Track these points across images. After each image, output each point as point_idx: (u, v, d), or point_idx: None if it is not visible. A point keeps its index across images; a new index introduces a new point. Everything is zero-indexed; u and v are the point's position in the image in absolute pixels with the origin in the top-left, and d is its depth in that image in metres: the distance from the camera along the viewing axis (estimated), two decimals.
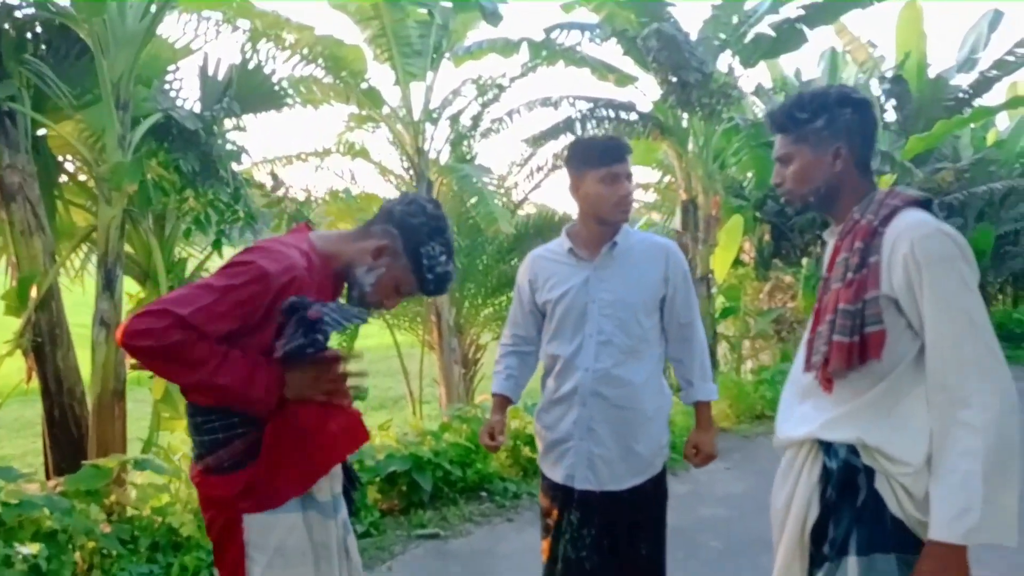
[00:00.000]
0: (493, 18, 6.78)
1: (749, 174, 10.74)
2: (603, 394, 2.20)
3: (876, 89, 11.56)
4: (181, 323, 1.61)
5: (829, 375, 1.59)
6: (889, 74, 11.81)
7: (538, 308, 2.36)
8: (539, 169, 8.82)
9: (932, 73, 11.62)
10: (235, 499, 1.72)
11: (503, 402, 2.46)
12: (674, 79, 8.26)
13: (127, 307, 5.22)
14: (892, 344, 1.54)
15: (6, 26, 4.31)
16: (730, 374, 7.45)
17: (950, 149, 11.78)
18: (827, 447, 1.61)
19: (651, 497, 2.26)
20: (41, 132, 4.88)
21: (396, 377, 9.79)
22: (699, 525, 4.06)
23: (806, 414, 1.66)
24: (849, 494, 1.56)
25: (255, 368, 1.68)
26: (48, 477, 4.44)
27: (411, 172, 7.61)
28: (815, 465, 1.63)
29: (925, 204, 1.62)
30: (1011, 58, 10.81)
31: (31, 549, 3.01)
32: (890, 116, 11.73)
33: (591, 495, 2.22)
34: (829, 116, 1.68)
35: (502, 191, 6.23)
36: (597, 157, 2.19)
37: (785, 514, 1.67)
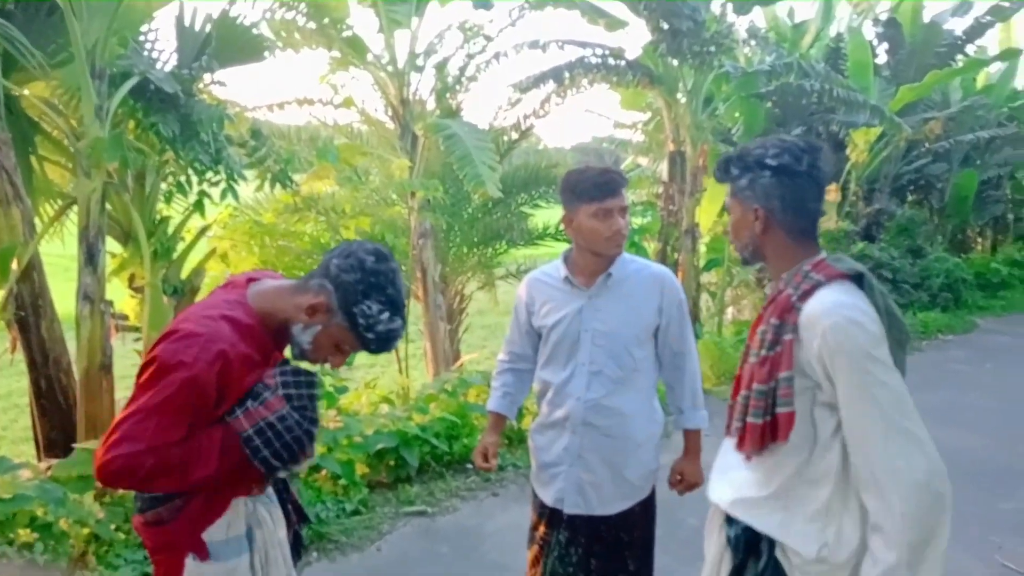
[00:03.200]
0: None
1: (736, 115, 10.61)
2: (593, 423, 2.25)
3: (869, 33, 11.38)
4: (145, 452, 1.57)
5: (747, 453, 1.64)
6: (883, 16, 11.60)
7: (534, 330, 2.38)
8: (526, 116, 8.68)
9: (927, 16, 11.40)
10: (175, 547, 1.73)
11: (499, 421, 2.50)
12: (665, 26, 8.08)
13: (110, 268, 5.18)
14: (805, 423, 1.56)
15: None
16: (712, 334, 7.55)
17: (939, 94, 11.67)
18: (729, 517, 1.68)
19: (639, 519, 2.34)
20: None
21: None
22: (677, 500, 4.19)
23: (729, 477, 1.71)
24: (754, 557, 1.64)
25: (214, 448, 1.65)
26: (37, 448, 4.50)
27: (395, 122, 7.47)
28: (722, 530, 1.71)
29: (856, 278, 1.57)
30: (1006, 3, 10.62)
31: (26, 539, 3.08)
32: (881, 60, 11.57)
33: (579, 518, 2.29)
34: (752, 176, 1.65)
35: (490, 147, 6.09)
36: (589, 192, 2.16)
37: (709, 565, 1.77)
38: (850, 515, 1.54)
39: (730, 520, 1.67)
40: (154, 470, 1.58)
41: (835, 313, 1.50)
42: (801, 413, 1.56)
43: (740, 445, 1.64)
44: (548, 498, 2.32)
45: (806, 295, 1.56)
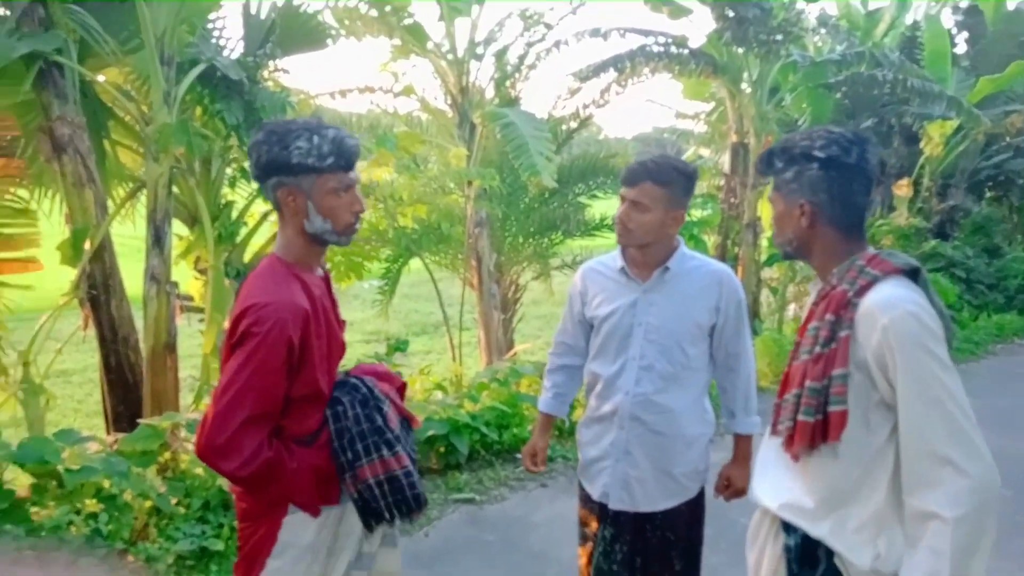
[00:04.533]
0: None
1: (804, 106, 10.29)
2: (642, 419, 2.21)
3: (948, 20, 10.91)
4: (253, 424, 1.65)
5: (795, 452, 1.59)
6: (964, 4, 11.09)
7: (587, 320, 2.34)
8: (585, 106, 8.61)
9: (1011, 4, 10.86)
10: (277, 507, 1.78)
11: (548, 421, 2.48)
12: (731, 14, 7.88)
13: (177, 251, 5.34)
14: (858, 425, 1.51)
15: None
16: (772, 331, 7.37)
17: (1022, 87, 11.10)
18: (787, 524, 1.62)
19: (685, 519, 2.29)
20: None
21: (437, 302, 9.95)
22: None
23: (775, 479, 1.67)
24: (809, 565, 1.59)
25: (307, 475, 1.78)
26: (107, 421, 4.68)
27: (454, 111, 7.49)
28: (779, 538, 1.64)
29: (911, 273, 1.54)
30: None
31: (92, 509, 3.21)
32: (960, 49, 11.07)
33: (624, 514, 2.26)
34: (798, 169, 1.60)
35: (547, 138, 6.05)
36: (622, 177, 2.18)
37: (756, 574, 1.71)
38: (902, 525, 1.48)
39: (787, 528, 1.62)
40: (260, 456, 1.66)
41: (896, 307, 1.47)
42: (854, 413, 1.51)
43: (789, 444, 1.60)
44: (595, 492, 2.30)
45: (863, 290, 1.52)
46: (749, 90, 8.50)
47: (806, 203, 1.59)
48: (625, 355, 2.22)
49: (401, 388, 2.03)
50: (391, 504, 1.81)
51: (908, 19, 11.33)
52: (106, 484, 3.29)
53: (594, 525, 2.32)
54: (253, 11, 5.26)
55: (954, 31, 10.81)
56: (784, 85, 9.31)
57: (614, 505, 2.26)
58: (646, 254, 2.19)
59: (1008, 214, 12.00)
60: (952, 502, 1.38)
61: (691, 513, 2.30)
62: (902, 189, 9.74)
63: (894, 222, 9.54)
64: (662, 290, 2.20)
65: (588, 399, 2.36)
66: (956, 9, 10.98)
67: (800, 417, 1.56)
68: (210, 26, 5.26)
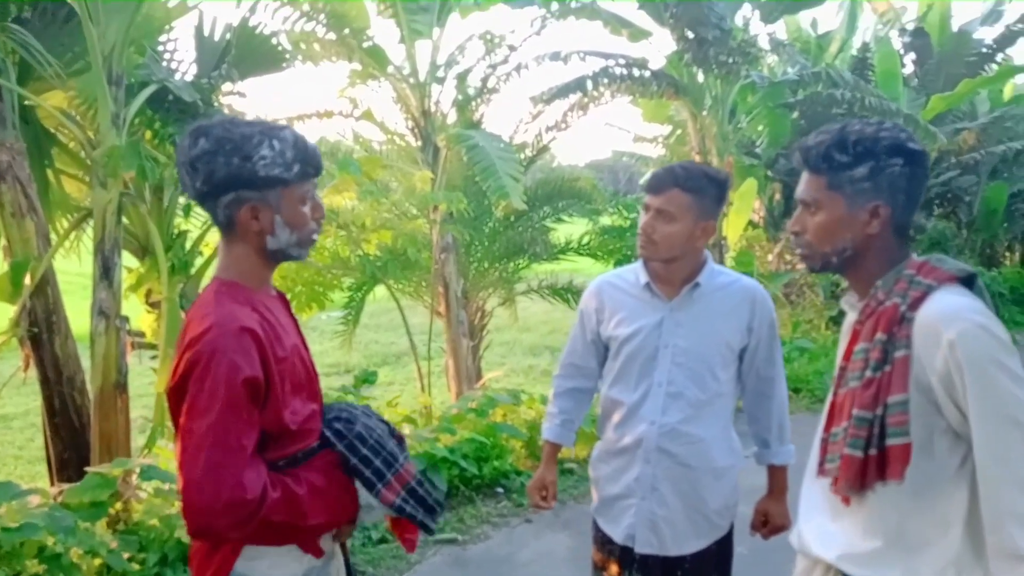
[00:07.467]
0: None
1: (760, 128, 10.38)
2: (670, 451, 2.01)
3: (896, 43, 11.16)
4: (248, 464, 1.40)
5: (843, 494, 1.40)
6: (910, 26, 11.40)
7: (601, 340, 2.15)
8: (548, 129, 8.52)
9: (955, 26, 11.19)
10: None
11: (555, 451, 2.27)
12: (691, 35, 7.92)
13: (127, 284, 5.02)
14: (922, 456, 1.32)
15: None
16: None
17: (968, 105, 11.41)
18: None
19: (715, 559, 2.10)
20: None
21: (399, 331, 9.61)
22: None
23: (825, 527, 1.47)
24: None
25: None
26: (50, 469, 4.32)
27: (416, 135, 7.32)
28: None
29: (966, 280, 1.37)
30: None
31: (33, 571, 2.90)
32: (908, 70, 11.35)
33: (652, 558, 2.06)
34: (874, 165, 1.39)
35: (513, 160, 5.91)
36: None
37: None
38: (985, 567, 1.29)
39: None
40: (258, 488, 1.39)
41: (962, 319, 1.29)
42: (918, 444, 1.32)
43: (835, 485, 1.41)
44: (617, 535, 2.09)
45: (917, 302, 1.34)
46: (709, 111, 8.52)
47: (882, 205, 1.39)
48: (649, 380, 2.02)
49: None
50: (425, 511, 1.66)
51: (857, 42, 11.60)
52: (50, 542, 2.97)
53: (614, 570, 2.11)
54: (207, 32, 5.04)
55: (902, 52, 11.08)
56: (742, 106, 9.37)
57: (640, 549, 2.05)
58: (671, 269, 2.01)
59: (957, 230, 12.27)
60: None
61: (720, 552, 2.11)
62: None
63: None
64: (691, 309, 2.01)
65: (603, 430, 2.15)
66: (903, 31, 11.27)
67: (846, 451, 1.37)
68: (161, 48, 5.02)
